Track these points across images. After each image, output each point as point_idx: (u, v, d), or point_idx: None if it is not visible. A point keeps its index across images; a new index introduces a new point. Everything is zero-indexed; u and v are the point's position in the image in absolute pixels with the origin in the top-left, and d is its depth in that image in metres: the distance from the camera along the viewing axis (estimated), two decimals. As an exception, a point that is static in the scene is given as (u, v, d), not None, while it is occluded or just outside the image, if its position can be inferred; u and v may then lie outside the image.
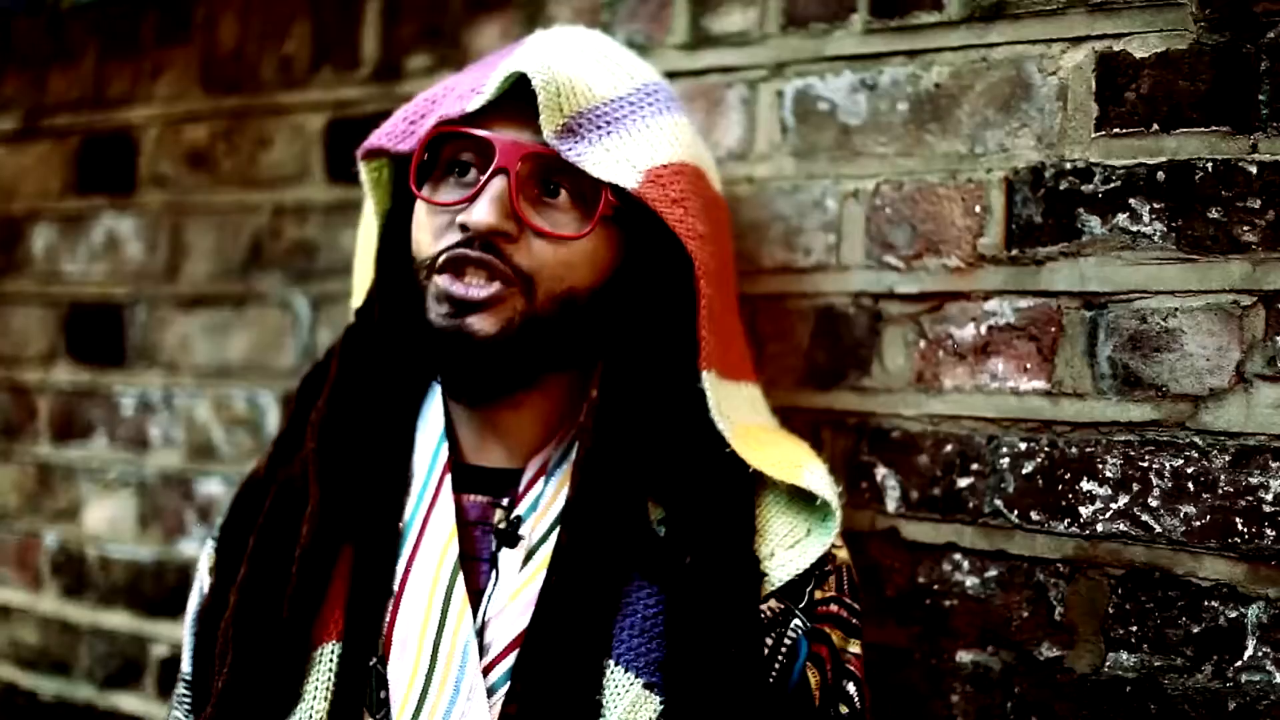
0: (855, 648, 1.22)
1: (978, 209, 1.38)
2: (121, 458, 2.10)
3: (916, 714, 1.40)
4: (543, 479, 1.21)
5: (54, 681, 2.16)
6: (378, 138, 1.24)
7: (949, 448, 1.39)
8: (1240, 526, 1.23)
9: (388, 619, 1.17)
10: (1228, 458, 1.24)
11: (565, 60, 1.20)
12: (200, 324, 2.01)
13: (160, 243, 2.07)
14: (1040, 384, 1.34)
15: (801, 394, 1.48)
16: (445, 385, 1.24)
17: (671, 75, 1.57)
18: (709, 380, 1.18)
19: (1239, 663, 1.23)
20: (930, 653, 1.39)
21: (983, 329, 1.38)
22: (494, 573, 1.18)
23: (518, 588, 1.16)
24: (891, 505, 1.42)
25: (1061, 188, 1.33)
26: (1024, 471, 1.35)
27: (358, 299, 1.35)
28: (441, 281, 1.14)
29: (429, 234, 1.17)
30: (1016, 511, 1.35)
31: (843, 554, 1.24)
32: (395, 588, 1.19)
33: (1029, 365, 1.35)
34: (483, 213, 1.11)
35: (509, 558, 1.18)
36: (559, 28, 1.33)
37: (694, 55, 1.57)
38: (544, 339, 1.16)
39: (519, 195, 1.13)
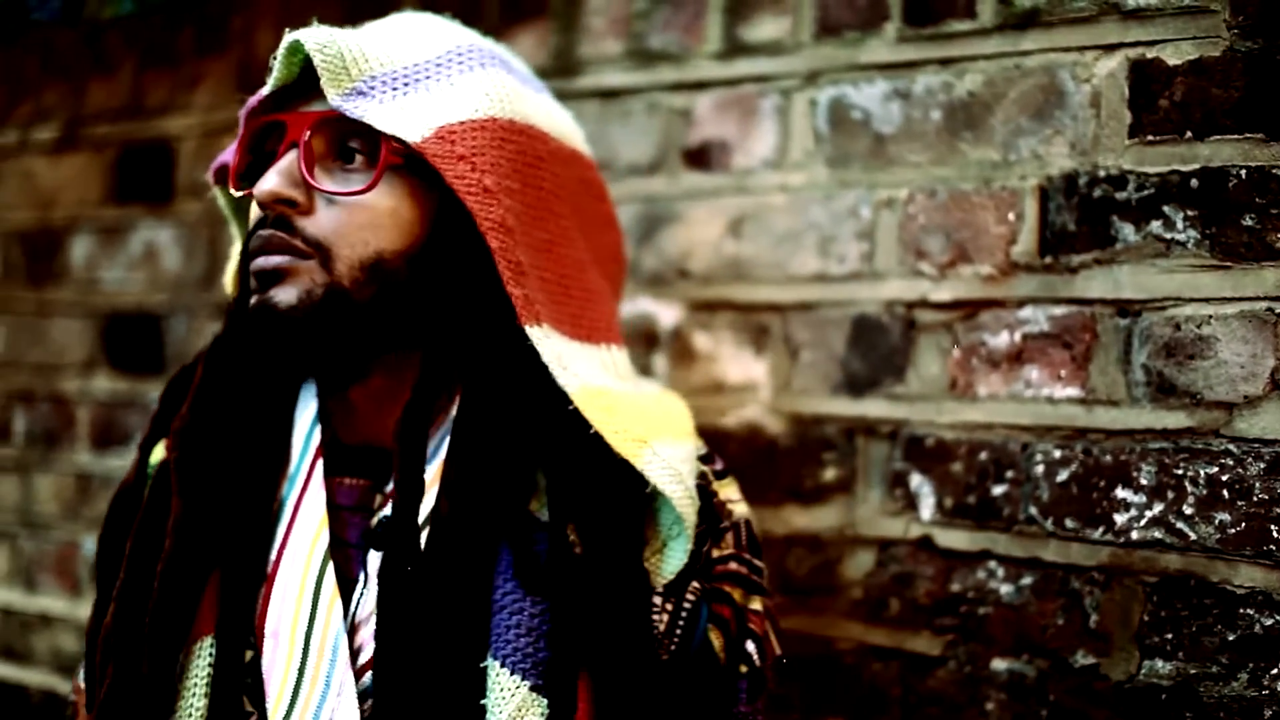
0: (757, 604, 1.18)
1: (1011, 216, 1.38)
2: (159, 465, 2.12)
3: (951, 721, 1.41)
4: None
5: (93, 686, 2.18)
6: (220, 157, 1.22)
7: (983, 455, 1.39)
8: (1275, 534, 1.22)
9: (259, 609, 1.12)
10: (1263, 465, 1.23)
11: (365, 33, 1.15)
12: (237, 332, 2.03)
13: (198, 251, 2.09)
14: (1075, 391, 1.34)
15: (836, 401, 1.49)
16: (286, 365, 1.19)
17: (705, 84, 1.59)
18: (539, 335, 1.11)
19: (1275, 670, 1.22)
20: (965, 660, 1.40)
21: (1017, 336, 1.38)
22: (363, 572, 1.11)
23: None
24: (926, 513, 1.43)
25: (1095, 195, 1.33)
26: (1058, 479, 1.35)
27: None
28: (253, 263, 1.10)
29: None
30: (1051, 519, 1.35)
31: (740, 509, 1.21)
32: (267, 575, 1.13)
33: (1063, 373, 1.35)
34: (265, 183, 1.07)
35: (377, 558, 1.10)
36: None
37: (728, 64, 1.58)
38: (359, 311, 1.09)
39: (312, 164, 1.08)
